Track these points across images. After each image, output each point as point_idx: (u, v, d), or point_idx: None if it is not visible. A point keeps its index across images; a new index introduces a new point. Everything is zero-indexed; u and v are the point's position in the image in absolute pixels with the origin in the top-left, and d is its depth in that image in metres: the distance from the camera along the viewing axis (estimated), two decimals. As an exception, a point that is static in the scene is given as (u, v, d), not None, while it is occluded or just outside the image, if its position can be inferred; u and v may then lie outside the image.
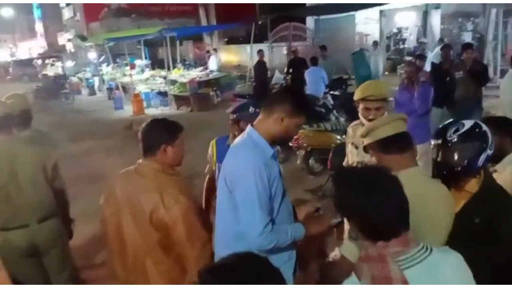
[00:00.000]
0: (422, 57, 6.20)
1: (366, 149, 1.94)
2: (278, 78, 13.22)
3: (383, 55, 15.34)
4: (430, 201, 1.62)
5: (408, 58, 14.88)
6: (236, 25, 18.24)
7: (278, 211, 2.04)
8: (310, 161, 5.90)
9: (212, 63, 16.43)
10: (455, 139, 1.85)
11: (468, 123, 1.84)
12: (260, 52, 11.63)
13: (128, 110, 12.94)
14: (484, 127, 1.82)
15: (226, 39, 23.25)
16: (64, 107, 15.64)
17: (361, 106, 2.71)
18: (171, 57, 14.86)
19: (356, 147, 2.79)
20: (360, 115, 2.75)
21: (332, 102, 7.39)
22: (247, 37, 17.44)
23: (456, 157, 1.83)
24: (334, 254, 3.73)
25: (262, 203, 1.89)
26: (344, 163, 3.04)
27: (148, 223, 2.02)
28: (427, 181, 1.79)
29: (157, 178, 2.07)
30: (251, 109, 3.18)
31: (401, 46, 17.07)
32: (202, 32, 20.93)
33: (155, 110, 12.90)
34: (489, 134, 1.82)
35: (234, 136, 2.89)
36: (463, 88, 5.21)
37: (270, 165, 1.98)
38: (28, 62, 29.60)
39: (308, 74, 8.98)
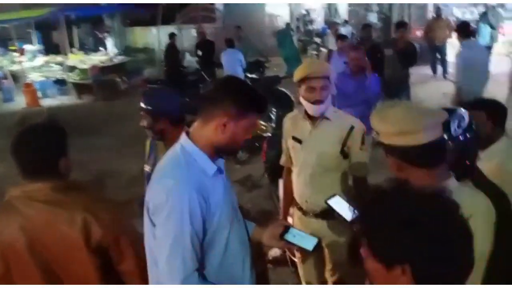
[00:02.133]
0: (344, 36, 6.06)
1: (387, 152, 1.43)
2: (189, 61, 12.55)
3: (296, 36, 15.38)
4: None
5: (317, 40, 15.16)
6: (140, 6, 17.03)
7: (226, 246, 1.55)
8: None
9: (111, 46, 15.13)
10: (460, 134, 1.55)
11: (465, 114, 1.54)
12: (173, 35, 10.84)
13: (20, 102, 11.37)
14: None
15: (129, 21, 21.73)
16: None
17: (303, 88, 2.29)
18: (67, 42, 13.38)
19: (300, 142, 2.42)
20: (301, 98, 2.34)
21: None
22: (152, 18, 16.36)
23: (466, 153, 1.56)
24: (274, 251, 3.45)
25: (186, 247, 1.42)
26: (283, 161, 2.65)
27: None
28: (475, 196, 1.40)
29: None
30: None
31: (310, 28, 17.28)
32: (101, 13, 19.27)
33: (53, 101, 11.51)
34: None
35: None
36: (392, 67, 5.16)
37: (211, 190, 1.48)
38: None
39: (224, 57, 8.52)
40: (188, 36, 16.89)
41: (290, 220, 2.67)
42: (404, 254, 0.91)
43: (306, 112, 2.37)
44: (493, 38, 9.18)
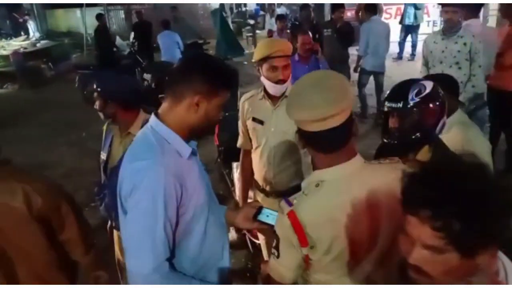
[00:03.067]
0: (283, 17, 6.07)
1: (301, 139, 1.35)
2: (121, 44, 11.97)
3: (230, 18, 15.22)
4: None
5: (251, 21, 15.11)
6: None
7: (206, 230, 1.51)
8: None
9: (33, 30, 14.03)
10: (418, 102, 1.61)
11: (428, 85, 1.61)
12: (101, 16, 10.22)
13: None
14: (441, 90, 1.62)
15: (50, 3, 20.17)
16: None
17: (264, 67, 2.23)
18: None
19: (262, 122, 2.36)
20: (263, 78, 2.29)
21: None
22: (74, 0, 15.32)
23: (417, 122, 1.60)
24: (231, 235, 3.44)
25: (158, 234, 1.34)
26: (240, 144, 2.58)
27: None
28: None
29: None
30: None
31: (243, 9, 17.18)
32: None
33: (-31, 91, 10.50)
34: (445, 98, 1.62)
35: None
36: (330, 47, 5.26)
37: (187, 172, 1.42)
38: None
39: (161, 39, 8.22)
40: (116, 18, 16.08)
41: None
42: (499, 233, 0.85)
43: (265, 92, 2.34)
44: (417, 18, 9.73)
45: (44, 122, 7.17)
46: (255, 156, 2.48)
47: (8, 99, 9.76)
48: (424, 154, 1.65)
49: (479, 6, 4.15)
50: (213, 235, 1.56)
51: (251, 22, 14.95)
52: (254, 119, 2.40)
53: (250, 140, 2.50)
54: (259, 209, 1.66)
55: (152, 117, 1.47)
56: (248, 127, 2.47)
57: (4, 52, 10.90)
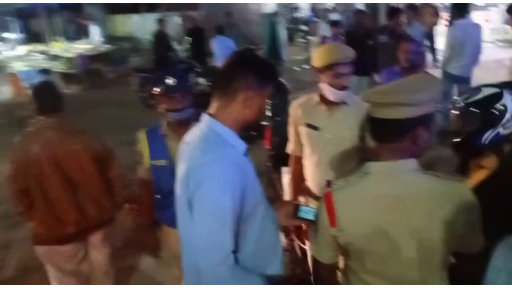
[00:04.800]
0: (337, 23, 6.04)
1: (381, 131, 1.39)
2: (176, 49, 12.40)
3: (283, 24, 15.30)
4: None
5: (304, 28, 15.09)
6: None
7: (262, 224, 1.56)
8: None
9: (95, 35, 14.80)
10: (461, 107, 1.62)
11: (487, 91, 1.59)
12: (161, 21, 10.62)
13: (5, 92, 11.09)
14: (506, 101, 1.58)
15: (110, 9, 21.23)
16: None
17: (328, 74, 2.19)
18: (49, 30, 13.05)
19: (316, 128, 2.33)
20: (324, 85, 2.25)
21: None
22: (133, 6, 16.01)
23: (461, 126, 1.61)
24: (282, 241, 3.47)
25: (228, 225, 1.40)
26: (291, 150, 2.56)
27: None
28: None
29: None
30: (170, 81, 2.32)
31: (296, 15, 17.16)
32: (81, 1, 18.81)
33: (38, 91, 11.25)
34: (508, 110, 1.57)
35: (173, 126, 2.32)
36: (387, 54, 5.16)
37: (244, 167, 1.48)
38: None
39: (215, 44, 8.44)
40: (172, 24, 16.64)
41: None
42: None
43: (321, 98, 2.32)
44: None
45: (102, 121, 7.58)
46: (309, 163, 2.45)
47: (71, 98, 10.37)
48: (490, 162, 1.62)
49: None
50: (268, 231, 1.61)
51: (304, 28, 14.93)
52: (308, 125, 2.37)
53: (301, 146, 2.48)
54: (297, 207, 1.69)
55: (206, 117, 1.53)
56: (300, 133, 2.44)
57: (69, 55, 11.60)
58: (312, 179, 2.48)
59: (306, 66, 9.97)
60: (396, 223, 1.34)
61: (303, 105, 2.44)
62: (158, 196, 2.35)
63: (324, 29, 9.48)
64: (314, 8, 15.83)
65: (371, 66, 5.10)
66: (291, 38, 14.79)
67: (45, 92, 2.58)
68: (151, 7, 15.87)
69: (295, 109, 2.48)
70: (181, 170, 1.54)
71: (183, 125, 2.13)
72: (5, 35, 14.92)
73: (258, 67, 1.52)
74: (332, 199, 1.40)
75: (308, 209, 1.69)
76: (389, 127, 1.32)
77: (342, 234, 1.40)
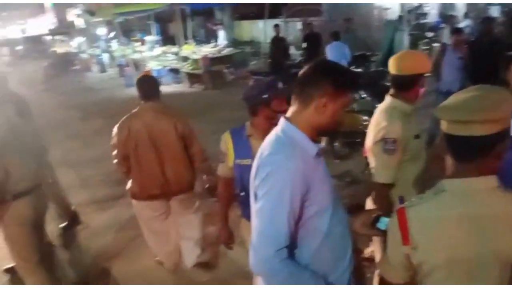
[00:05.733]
0: (460, 31, 5.62)
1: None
2: (293, 54, 12.68)
3: (407, 30, 14.63)
4: None
5: (429, 34, 14.21)
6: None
7: (328, 230, 1.59)
8: (336, 144, 5.48)
9: (222, 39, 15.83)
10: None
11: None
12: (276, 27, 11.03)
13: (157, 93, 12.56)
14: None
15: (237, 15, 22.54)
16: (74, 85, 15.33)
17: (419, 82, 2.30)
18: (182, 33, 14.34)
19: (418, 136, 2.35)
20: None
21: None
22: (259, 12, 16.77)
23: None
24: (371, 250, 3.39)
25: (283, 221, 1.47)
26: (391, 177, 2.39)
27: None
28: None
29: None
30: (280, 85, 2.44)
31: (422, 21, 16.24)
32: (213, 7, 20.28)
33: (168, 88, 12.49)
34: None
35: (260, 127, 2.39)
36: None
37: (313, 169, 1.54)
38: (38, 39, 29.28)
39: (329, 50, 8.46)
40: (293, 29, 17.04)
41: None
42: None
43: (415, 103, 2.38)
44: None
45: (220, 119, 8.14)
46: (412, 169, 2.40)
47: (196, 97, 11.34)
48: None
49: None
50: (336, 236, 1.63)
51: (430, 35, 14.06)
52: (415, 136, 2.35)
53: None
54: (377, 217, 1.68)
55: (282, 120, 1.63)
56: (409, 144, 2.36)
57: (195, 57, 12.62)
58: (413, 187, 2.42)
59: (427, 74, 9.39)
60: (475, 243, 1.27)
61: (404, 117, 2.37)
62: (242, 194, 2.45)
63: (447, 36, 8.83)
64: (442, 14, 14.79)
65: (492, 78, 4.62)
66: (415, 45, 14.03)
67: (146, 83, 3.25)
68: (275, 13, 16.45)
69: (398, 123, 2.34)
70: (253, 166, 1.66)
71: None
72: (147, 38, 16.86)
73: (335, 76, 1.56)
74: (405, 215, 1.36)
75: (388, 221, 1.66)
76: (472, 145, 1.27)
77: (416, 253, 1.35)
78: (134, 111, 3.25)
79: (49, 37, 27.40)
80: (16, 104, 4.01)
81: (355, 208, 2.07)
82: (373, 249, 3.29)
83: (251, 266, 1.51)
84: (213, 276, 3.49)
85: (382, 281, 1.55)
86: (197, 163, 3.32)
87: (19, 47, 30.20)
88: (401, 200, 1.48)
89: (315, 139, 1.61)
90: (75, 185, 5.72)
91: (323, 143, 5.55)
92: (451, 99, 1.33)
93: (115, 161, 3.26)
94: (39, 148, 3.42)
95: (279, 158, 1.52)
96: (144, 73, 3.54)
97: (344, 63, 8.15)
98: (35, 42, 28.86)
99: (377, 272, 1.65)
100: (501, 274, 1.28)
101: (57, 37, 26.35)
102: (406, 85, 2.32)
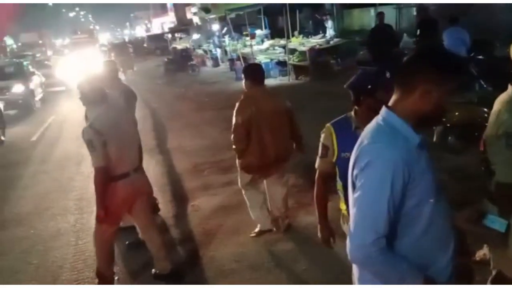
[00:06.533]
0: None
1: None
2: (406, 42, 11.93)
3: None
4: None
5: None
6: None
7: (430, 221, 1.54)
8: (450, 138, 5.09)
9: (329, 29, 15.54)
10: None
11: None
12: (380, 14, 10.42)
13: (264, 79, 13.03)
14: None
15: (348, 3, 21.97)
16: (190, 78, 16.49)
17: None
18: (290, 26, 14.47)
19: None
20: None
21: (476, 68, 6.33)
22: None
23: None
24: (483, 253, 3.13)
25: (382, 210, 1.44)
26: None
27: None
28: None
29: None
30: (386, 75, 2.32)
31: None
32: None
33: (274, 81, 12.77)
34: None
35: (364, 117, 2.26)
36: None
37: (416, 159, 1.49)
38: (160, 37, 32.01)
39: (446, 36, 7.84)
40: (407, 15, 16.07)
41: None
42: None
43: None
44: None
45: (324, 110, 8.12)
46: None
47: (301, 88, 11.42)
48: None
49: None
50: (438, 228, 1.58)
51: None
52: None
53: None
54: (484, 214, 1.58)
55: (384, 109, 1.59)
56: None
57: (303, 48, 12.66)
58: None
59: None
60: None
61: None
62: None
63: None
64: None
65: None
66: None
67: (257, 70, 3.93)
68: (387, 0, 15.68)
69: None
70: (352, 155, 1.64)
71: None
72: (257, 31, 17.38)
73: (441, 62, 1.49)
74: None
75: (497, 219, 1.59)
76: None
77: None
78: (249, 94, 3.77)
79: (169, 35, 29.75)
80: (125, 93, 4.57)
81: (463, 204, 1.96)
82: (485, 252, 3.05)
83: (348, 254, 1.51)
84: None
85: (499, 278, 1.46)
86: (297, 142, 3.96)
87: (144, 45, 33.24)
88: None
89: (419, 129, 1.55)
90: (189, 171, 6.20)
91: (435, 137, 5.21)
92: None
93: (235, 139, 3.79)
94: (137, 136, 3.75)
95: (378, 147, 1.50)
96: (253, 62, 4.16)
97: (463, 49, 7.50)
98: (157, 40, 31.55)
99: (493, 271, 1.55)
100: None
101: (176, 35, 28.48)
102: None
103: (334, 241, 2.70)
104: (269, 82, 12.51)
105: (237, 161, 4.01)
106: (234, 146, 3.89)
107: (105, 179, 3.14)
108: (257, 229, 4.15)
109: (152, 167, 6.43)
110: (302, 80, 12.34)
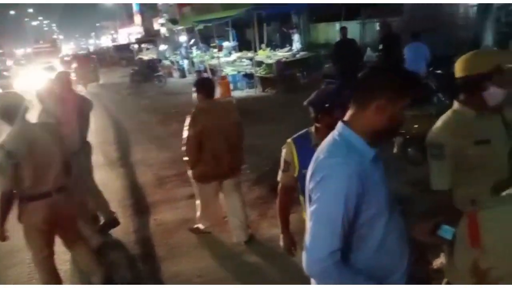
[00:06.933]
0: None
1: None
2: (369, 56, 12.29)
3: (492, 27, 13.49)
4: None
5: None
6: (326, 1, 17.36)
7: (383, 237, 1.56)
8: (410, 150, 5.22)
9: (296, 42, 15.79)
10: None
11: None
12: (343, 29, 10.61)
13: (215, 92, 12.98)
14: None
15: (314, 18, 22.41)
16: (157, 90, 16.29)
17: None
18: (258, 38, 14.61)
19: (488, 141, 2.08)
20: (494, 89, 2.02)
21: (435, 83, 6.56)
22: (337, 14, 16.51)
23: None
24: (440, 261, 3.20)
25: (337, 223, 1.46)
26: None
27: None
28: None
29: None
30: (344, 93, 2.30)
31: (513, 18, 14.88)
32: (290, 11, 20.38)
33: (241, 93, 12.79)
34: None
35: (323, 134, 2.29)
36: None
37: (370, 174, 1.52)
38: (126, 47, 31.57)
39: (407, 51, 8.11)
40: (371, 30, 16.54)
41: None
42: None
43: (482, 107, 2.09)
44: None
45: (291, 122, 8.18)
46: (482, 176, 2.18)
47: (268, 101, 11.49)
48: None
49: None
50: (393, 240, 1.60)
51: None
52: (479, 142, 2.12)
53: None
54: (438, 225, 1.64)
55: (340, 124, 1.61)
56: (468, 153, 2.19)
57: (270, 61, 12.77)
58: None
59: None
60: None
61: (463, 120, 2.19)
62: None
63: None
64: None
65: None
66: (504, 43, 12.98)
67: (208, 84, 4.04)
68: (353, 15, 16.08)
69: (458, 128, 2.18)
70: (309, 169, 1.65)
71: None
72: (224, 43, 17.42)
73: (395, 78, 1.53)
74: (476, 218, 1.33)
75: (447, 228, 1.63)
76: None
77: (485, 257, 1.31)
78: (201, 107, 3.84)
79: (135, 46, 29.43)
80: (80, 100, 4.48)
81: (422, 215, 1.99)
82: (442, 260, 3.11)
83: (304, 267, 1.52)
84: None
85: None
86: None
87: (109, 55, 32.73)
88: (473, 203, 1.40)
89: (374, 143, 1.58)
90: (152, 184, 6.07)
91: (396, 149, 5.33)
92: None
93: (188, 151, 3.82)
94: (63, 154, 3.31)
95: (334, 161, 1.51)
96: (203, 76, 4.22)
97: (423, 64, 7.77)
98: (123, 50, 31.11)
99: (444, 280, 1.62)
100: None
101: (143, 45, 28.20)
102: (465, 88, 2.15)
103: (295, 249, 2.73)
104: (236, 94, 12.57)
105: (189, 172, 4.05)
106: (186, 158, 3.94)
107: (9, 204, 3.03)
108: (196, 226, 4.34)
109: (113, 181, 6.28)
110: (269, 93, 12.42)
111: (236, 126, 3.96)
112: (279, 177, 2.65)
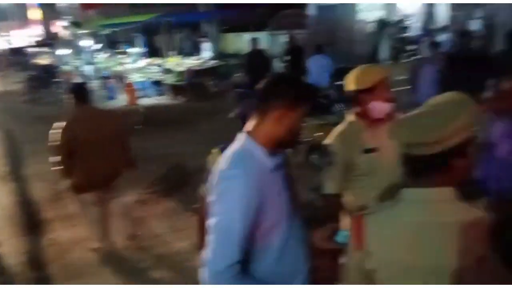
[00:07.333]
0: (436, 45, 5.67)
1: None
2: (278, 67, 12.70)
3: (387, 42, 14.78)
4: None
5: (411, 47, 14.42)
6: (235, 12, 17.63)
7: (283, 247, 1.59)
8: (313, 156, 5.43)
9: (206, 51, 15.81)
10: None
11: None
12: (253, 40, 10.85)
13: (122, 100, 12.41)
14: None
15: (224, 28, 22.64)
16: (56, 97, 15.12)
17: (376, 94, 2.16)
18: (168, 46, 14.32)
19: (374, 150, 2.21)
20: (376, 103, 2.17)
21: (336, 93, 6.93)
22: (246, 25, 16.86)
23: None
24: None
25: (236, 236, 1.46)
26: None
27: None
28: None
29: None
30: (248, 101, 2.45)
31: (403, 35, 16.44)
32: (199, 19, 20.34)
33: (150, 100, 12.38)
34: None
35: None
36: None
37: (269, 184, 1.54)
38: (19, 51, 28.98)
39: (311, 63, 8.48)
40: (278, 42, 17.14)
41: None
42: None
43: (370, 118, 2.23)
44: None
45: (201, 130, 8.11)
46: (371, 182, 2.31)
47: (178, 108, 11.27)
48: None
49: None
50: (291, 250, 1.63)
51: (411, 48, 14.34)
52: (366, 150, 2.27)
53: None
54: (336, 231, 1.72)
55: (243, 134, 1.62)
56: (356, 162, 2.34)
57: (180, 69, 12.58)
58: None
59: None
60: (430, 252, 1.24)
61: (351, 131, 2.32)
62: None
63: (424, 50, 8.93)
64: (425, 28, 15.07)
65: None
66: (395, 58, 14.30)
67: (80, 89, 3.84)
68: (261, 27, 16.53)
69: (346, 138, 2.31)
70: (212, 181, 1.62)
71: None
72: (129, 50, 16.77)
73: (292, 87, 1.57)
74: (360, 222, 1.37)
75: (346, 234, 1.68)
76: (419, 164, 1.25)
77: (369, 259, 1.35)
78: (75, 113, 3.70)
79: (33, 49, 27.11)
80: None
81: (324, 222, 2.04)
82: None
83: (203, 281, 1.49)
84: None
85: None
86: (126, 155, 3.90)
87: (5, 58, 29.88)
88: (362, 209, 1.50)
89: (276, 152, 1.60)
90: (46, 200, 5.57)
91: (300, 155, 5.51)
92: (402, 120, 1.29)
93: (58, 159, 3.63)
94: None
95: (234, 173, 1.50)
96: (78, 82, 4.17)
97: (325, 75, 8.17)
98: (18, 54, 28.51)
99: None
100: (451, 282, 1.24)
101: (42, 49, 26.09)
102: (353, 101, 2.28)
103: None
104: (144, 101, 12.11)
105: (63, 183, 3.93)
106: (56, 167, 3.75)
107: None
108: (95, 245, 4.12)
109: (3, 197, 5.66)
110: (179, 100, 12.20)
111: (115, 135, 3.78)
112: (202, 191, 2.42)
